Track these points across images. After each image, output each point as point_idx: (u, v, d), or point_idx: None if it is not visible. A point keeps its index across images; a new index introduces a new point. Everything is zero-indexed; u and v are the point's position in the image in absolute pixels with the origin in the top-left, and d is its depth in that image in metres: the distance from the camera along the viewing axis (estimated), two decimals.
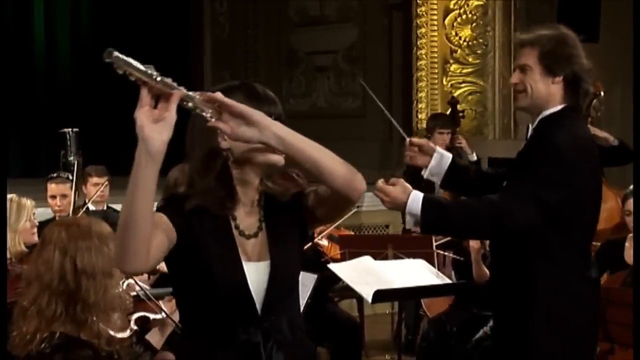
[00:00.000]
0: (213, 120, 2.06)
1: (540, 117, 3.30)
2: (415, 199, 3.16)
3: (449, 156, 3.55)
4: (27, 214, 4.77)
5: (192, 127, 2.25)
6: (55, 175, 6.09)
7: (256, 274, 2.24)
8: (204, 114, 2.05)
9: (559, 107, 3.27)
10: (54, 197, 5.92)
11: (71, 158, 7.41)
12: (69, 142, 6.78)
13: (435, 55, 9.68)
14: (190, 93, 2.02)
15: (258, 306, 2.23)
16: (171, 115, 1.96)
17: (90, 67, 11.74)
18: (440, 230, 3.87)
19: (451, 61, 9.67)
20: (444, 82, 9.70)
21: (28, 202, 4.82)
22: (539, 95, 3.27)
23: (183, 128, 2.24)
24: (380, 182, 3.27)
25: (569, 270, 3.21)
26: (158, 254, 2.11)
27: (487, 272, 5.03)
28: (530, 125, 3.50)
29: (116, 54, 1.92)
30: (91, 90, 11.60)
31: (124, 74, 1.93)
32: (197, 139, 2.21)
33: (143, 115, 1.95)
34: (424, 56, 9.69)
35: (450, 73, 9.68)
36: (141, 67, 1.95)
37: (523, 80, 3.31)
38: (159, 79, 1.95)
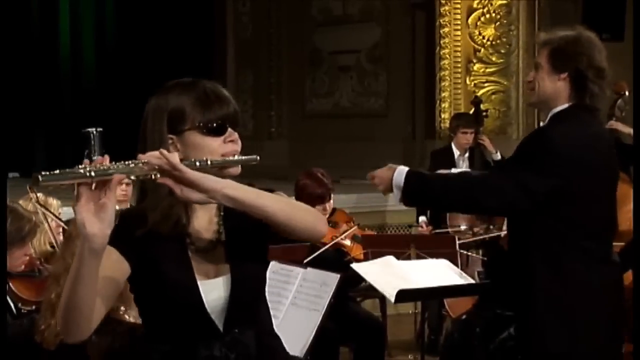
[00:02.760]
0: (160, 177, 2.00)
1: (550, 114, 3.34)
2: (400, 172, 3.25)
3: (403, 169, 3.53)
4: (54, 212, 4.79)
5: (143, 131, 2.20)
6: None
7: (215, 291, 2.19)
8: (148, 177, 2.00)
9: (566, 105, 3.29)
10: None
11: (95, 158, 7.47)
12: (92, 142, 6.81)
13: (459, 54, 9.65)
14: (131, 164, 1.97)
15: (218, 323, 2.19)
16: (112, 202, 1.93)
17: (115, 66, 11.81)
18: (420, 201, 3.90)
19: (474, 60, 9.64)
20: (467, 82, 9.67)
21: (54, 202, 4.84)
22: (545, 91, 3.32)
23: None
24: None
25: (570, 262, 3.21)
26: (103, 311, 2.10)
27: None
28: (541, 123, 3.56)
29: (42, 177, 1.83)
30: (115, 90, 11.66)
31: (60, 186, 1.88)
32: (148, 145, 2.12)
33: (83, 210, 1.91)
34: (447, 55, 9.66)
35: (473, 72, 9.65)
36: (72, 171, 1.88)
37: (535, 77, 3.36)
38: (93, 173, 1.89)
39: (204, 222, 2.23)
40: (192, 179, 2.01)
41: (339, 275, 4.40)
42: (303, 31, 11.22)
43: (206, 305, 2.18)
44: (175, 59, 11.20)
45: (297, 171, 5.99)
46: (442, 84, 9.70)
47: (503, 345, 5.23)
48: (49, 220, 4.74)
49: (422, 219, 7.18)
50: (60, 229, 4.74)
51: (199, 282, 2.18)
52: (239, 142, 2.20)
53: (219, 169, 2.11)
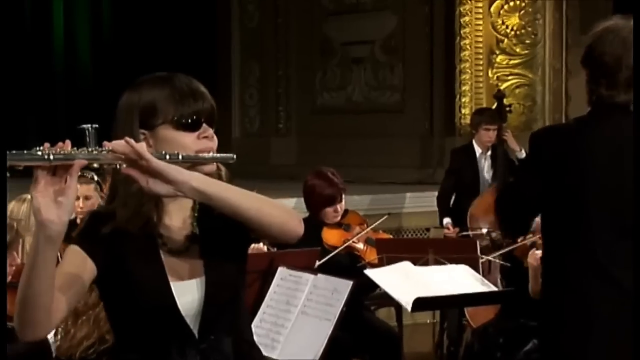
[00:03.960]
0: (125, 167, 2.03)
1: None
2: None
3: None
4: None
5: (115, 127, 2.22)
6: (79, 174, 6.14)
7: (188, 294, 2.20)
8: (113, 166, 2.03)
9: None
10: (76, 198, 5.96)
11: None
12: (88, 139, 6.83)
13: (480, 45, 9.65)
14: (95, 152, 1.99)
15: (193, 327, 2.20)
16: (72, 189, 1.94)
17: (111, 60, 11.84)
18: None
19: (497, 52, 9.63)
20: (490, 75, 9.66)
21: None
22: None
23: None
24: None
25: (576, 269, 3.22)
26: (64, 310, 2.10)
27: None
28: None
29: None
30: (112, 85, 11.68)
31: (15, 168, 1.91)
32: (120, 139, 2.10)
33: (39, 195, 1.93)
34: (467, 46, 9.66)
35: (496, 65, 9.64)
36: (30, 153, 1.92)
37: None
38: (52, 157, 1.92)
39: (177, 221, 2.24)
40: (158, 168, 2.03)
41: (351, 282, 4.41)
42: (313, 20, 11.23)
43: (180, 308, 2.19)
44: (176, 51, 11.22)
45: (306, 170, 6.00)
46: (463, 77, 9.70)
47: (527, 358, 5.24)
48: None
49: (447, 220, 7.18)
50: None
51: (171, 284, 2.19)
52: (215, 139, 2.22)
53: (191, 165, 2.13)
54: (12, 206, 4.45)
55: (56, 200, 1.94)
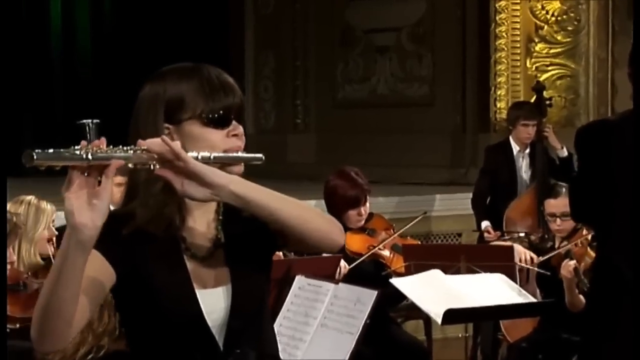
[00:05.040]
0: (158, 168, 2.04)
1: None
2: None
3: None
4: (46, 220, 4.84)
5: (135, 121, 2.23)
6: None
7: (214, 303, 2.22)
8: (146, 167, 2.04)
9: None
10: None
11: None
12: (88, 136, 6.87)
13: (518, 32, 9.63)
14: (130, 151, 2.01)
15: (219, 339, 2.21)
16: (107, 191, 1.96)
17: (113, 49, 11.89)
18: None
19: (536, 40, 9.61)
20: (528, 65, 9.64)
21: (48, 207, 4.89)
22: None
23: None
24: None
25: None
26: (84, 320, 2.12)
27: (582, 300, 5.01)
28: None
29: (37, 154, 1.89)
30: (114, 77, 11.74)
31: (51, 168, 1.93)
32: (142, 136, 2.12)
33: (73, 197, 1.95)
34: (504, 34, 9.64)
35: (535, 54, 9.63)
36: (68, 152, 1.94)
37: None
38: (90, 156, 1.94)
39: (201, 226, 2.25)
40: (196, 170, 2.04)
41: (376, 292, 4.41)
42: (333, 6, 11.24)
43: (206, 318, 2.20)
44: (184, 40, 11.25)
45: (327, 170, 6.01)
46: (498, 67, 9.68)
47: None
48: (41, 228, 4.79)
49: (486, 224, 7.17)
50: (54, 239, 4.79)
51: (197, 292, 2.20)
52: (243, 137, 2.23)
53: (220, 166, 2.14)
54: (8, 208, 4.49)
55: (90, 203, 1.95)
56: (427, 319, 6.28)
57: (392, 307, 5.64)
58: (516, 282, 5.03)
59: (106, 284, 2.15)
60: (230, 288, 2.23)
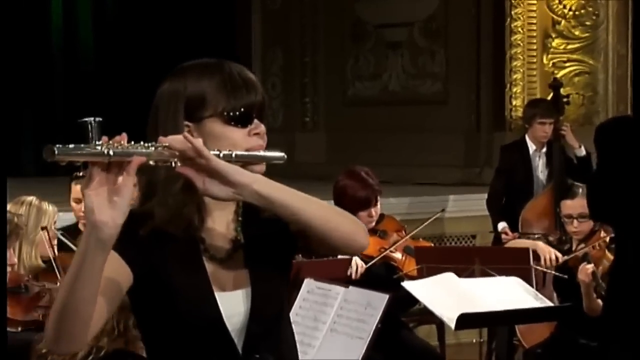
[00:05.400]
0: (180, 166, 2.05)
1: None
2: None
3: None
4: (48, 222, 4.85)
5: (154, 119, 2.24)
6: (81, 174, 6.17)
7: (233, 306, 2.23)
8: (167, 164, 2.06)
9: None
10: (78, 201, 6.00)
11: None
12: (91, 134, 6.87)
13: (534, 28, 9.62)
14: (151, 148, 2.02)
15: (238, 344, 2.22)
16: (128, 188, 1.97)
17: (116, 44, 11.89)
18: None
19: (553, 35, 9.60)
20: (545, 61, 9.63)
21: (50, 208, 4.89)
22: None
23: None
24: None
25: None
26: (101, 321, 2.12)
27: (600, 304, 5.01)
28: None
29: (58, 149, 1.91)
30: (117, 73, 11.75)
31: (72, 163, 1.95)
32: (161, 134, 2.13)
33: (94, 194, 1.96)
34: (519, 29, 9.63)
35: (552, 50, 9.61)
36: (89, 147, 1.95)
37: None
38: (112, 152, 1.95)
39: (221, 226, 2.26)
40: (218, 168, 2.06)
41: (387, 296, 4.41)
42: (343, 0, 11.23)
43: (225, 322, 2.21)
44: (189, 35, 11.25)
45: (336, 170, 6.01)
46: (514, 63, 9.67)
47: None
48: (43, 229, 4.79)
49: (503, 225, 7.16)
50: (55, 241, 4.79)
51: (216, 294, 2.21)
52: (265, 136, 2.25)
53: (242, 165, 2.15)
54: (9, 208, 4.50)
55: (110, 201, 1.97)
56: (440, 324, 6.28)
57: (403, 312, 5.64)
58: (532, 286, 5.03)
59: (123, 285, 2.16)
60: (250, 291, 2.24)
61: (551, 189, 7.03)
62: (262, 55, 11.81)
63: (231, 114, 2.20)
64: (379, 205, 5.61)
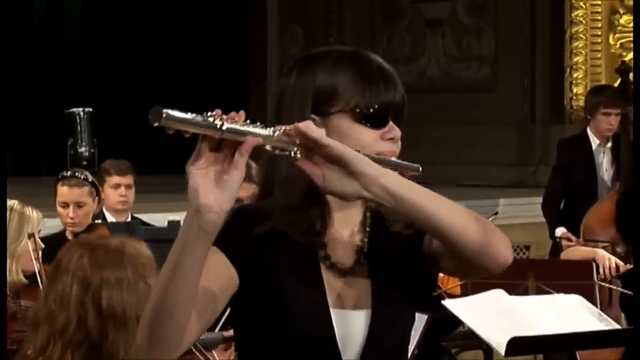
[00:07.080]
0: (300, 157, 2.07)
1: None
2: None
3: None
4: (32, 230, 4.84)
5: (277, 110, 2.28)
6: (68, 174, 6.15)
7: (349, 328, 2.24)
8: (286, 153, 2.07)
9: None
10: (65, 205, 5.97)
11: (83, 149, 7.52)
12: (79, 127, 6.91)
13: (599, 2, 9.60)
14: (267, 131, 2.05)
15: None
16: (240, 171, 2.01)
17: (108, 25, 11.94)
18: None
19: (621, 11, 9.58)
20: (611, 42, 9.61)
21: (34, 214, 4.89)
22: None
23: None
24: None
25: None
26: (197, 332, 2.14)
27: None
28: None
29: (166, 113, 1.92)
30: (110, 58, 11.79)
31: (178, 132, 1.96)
32: (284, 123, 2.15)
33: (199, 175, 2.01)
34: (581, 4, 9.62)
35: (619, 28, 9.59)
36: (199, 118, 1.97)
37: None
38: (225, 127, 1.98)
39: (344, 234, 2.29)
40: (341, 153, 2.07)
41: (426, 316, 4.41)
42: None
43: (339, 344, 2.22)
44: (196, 13, 11.29)
45: None
46: (575, 44, 9.67)
47: None
48: (25, 239, 4.79)
49: (561, 230, 7.14)
50: (40, 253, 4.79)
51: (331, 311, 2.23)
52: (399, 143, 2.28)
53: None
54: None
55: (217, 183, 2.01)
56: (487, 349, 6.27)
57: (444, 335, 5.64)
58: (596, 305, 5.02)
59: (229, 292, 2.18)
60: (370, 314, 2.25)
61: (618, 191, 7.01)
62: (278, 35, 11.84)
63: (364, 111, 2.23)
64: None
